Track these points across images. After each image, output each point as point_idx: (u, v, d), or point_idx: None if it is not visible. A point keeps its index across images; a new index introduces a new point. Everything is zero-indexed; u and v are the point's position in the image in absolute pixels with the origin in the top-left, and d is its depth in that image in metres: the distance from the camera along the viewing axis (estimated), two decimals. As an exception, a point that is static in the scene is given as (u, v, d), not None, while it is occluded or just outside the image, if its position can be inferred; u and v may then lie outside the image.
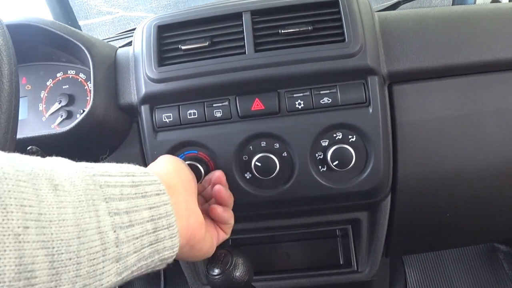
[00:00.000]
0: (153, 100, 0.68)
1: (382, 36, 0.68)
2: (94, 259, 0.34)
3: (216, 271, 0.59)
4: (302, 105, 0.66)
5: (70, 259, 0.32)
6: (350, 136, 0.66)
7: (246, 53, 0.65)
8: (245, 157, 0.67)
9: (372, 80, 0.65)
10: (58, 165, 0.37)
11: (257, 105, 0.66)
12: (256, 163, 0.66)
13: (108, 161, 0.74)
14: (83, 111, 0.72)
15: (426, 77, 0.70)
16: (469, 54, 0.69)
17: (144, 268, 0.42)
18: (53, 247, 0.31)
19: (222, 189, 0.59)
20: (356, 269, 0.76)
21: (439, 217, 0.78)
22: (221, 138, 0.67)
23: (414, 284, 1.23)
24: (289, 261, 0.82)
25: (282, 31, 0.65)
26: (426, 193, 0.74)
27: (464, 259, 1.26)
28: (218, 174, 0.62)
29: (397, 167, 0.70)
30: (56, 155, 0.73)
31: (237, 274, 0.59)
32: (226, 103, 0.67)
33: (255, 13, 0.66)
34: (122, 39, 1.03)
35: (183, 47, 0.67)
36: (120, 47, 0.80)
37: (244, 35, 0.66)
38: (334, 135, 0.66)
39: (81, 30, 1.39)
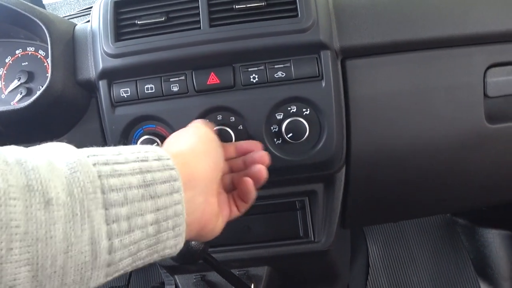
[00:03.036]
0: (111, 75, 0.69)
1: (335, 12, 0.70)
2: (82, 268, 0.34)
3: (173, 240, 0.61)
4: (256, 79, 0.67)
5: (55, 271, 0.32)
6: (304, 109, 0.68)
7: (201, 28, 0.66)
8: (202, 131, 0.69)
9: (325, 54, 0.67)
10: (60, 168, 0.35)
11: (213, 79, 0.67)
12: (213, 136, 0.67)
13: (68, 137, 0.75)
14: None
15: (379, 52, 0.72)
16: (420, 30, 0.71)
17: (140, 265, 0.41)
18: (37, 263, 0.31)
19: (263, 171, 0.56)
20: (313, 239, 0.78)
21: (394, 189, 0.81)
22: (178, 112, 0.68)
23: (376, 256, 1.28)
24: (251, 234, 0.84)
25: (237, 7, 0.66)
26: (380, 166, 0.76)
27: (424, 231, 1.31)
28: (262, 154, 0.59)
29: (350, 139, 0.73)
30: (17, 132, 0.74)
31: (193, 242, 0.61)
32: (183, 77, 0.68)
33: (210, -12, 0.67)
34: (84, 16, 1.03)
35: (139, 22, 0.67)
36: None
37: (199, 11, 0.67)
38: (289, 108, 0.68)
39: (45, 8, 1.37)
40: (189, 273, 0.83)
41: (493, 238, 1.27)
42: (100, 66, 0.68)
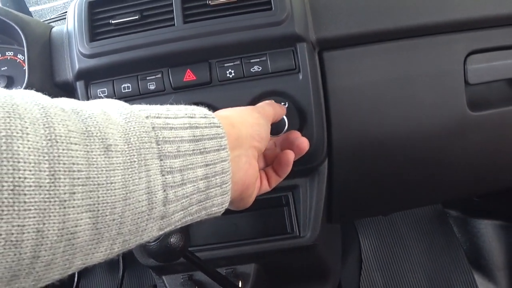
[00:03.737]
0: (87, 76, 0.69)
1: (310, 3, 0.70)
2: (138, 218, 0.34)
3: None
4: (233, 74, 0.67)
5: (113, 220, 0.32)
6: (282, 103, 0.68)
7: (175, 24, 0.66)
8: (181, 128, 0.68)
9: (301, 47, 0.67)
10: (115, 118, 0.35)
11: (189, 76, 0.67)
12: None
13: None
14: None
15: (356, 43, 0.71)
16: (397, 19, 0.71)
17: (188, 222, 0.41)
18: (98, 210, 0.31)
19: (307, 143, 0.58)
20: (298, 234, 0.78)
21: (379, 180, 0.81)
22: (156, 110, 0.68)
23: (368, 250, 1.27)
24: (238, 232, 0.83)
25: (210, 2, 0.66)
26: (363, 157, 0.76)
27: (416, 224, 1.30)
28: (304, 140, 0.59)
29: (331, 132, 0.72)
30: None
31: (172, 240, 0.60)
32: (159, 75, 0.68)
33: (183, -15, 0.67)
34: (64, 19, 1.03)
35: (113, 22, 0.67)
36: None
37: (173, 8, 0.66)
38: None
39: (31, 15, 1.37)
40: (176, 273, 0.82)
41: (486, 228, 1.26)
42: (76, 67, 0.68)
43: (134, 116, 0.36)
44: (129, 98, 0.68)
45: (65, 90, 0.72)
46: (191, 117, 0.41)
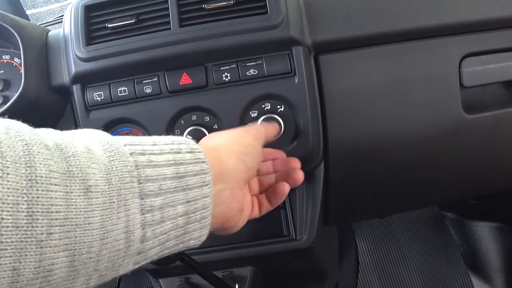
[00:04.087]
0: (84, 79, 0.69)
1: (305, 7, 0.70)
2: (115, 255, 0.34)
3: (148, 242, 0.61)
4: (229, 77, 0.67)
5: (90, 258, 0.32)
6: (278, 106, 0.68)
7: (172, 28, 0.66)
8: (177, 131, 0.69)
9: (297, 50, 0.67)
10: (99, 155, 0.35)
11: (185, 79, 0.67)
12: (188, 136, 0.67)
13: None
14: (17, 94, 0.72)
15: (352, 46, 0.72)
16: (392, 22, 0.71)
17: (165, 255, 0.42)
18: (75, 249, 0.31)
19: (302, 177, 0.60)
20: (294, 237, 0.78)
21: (375, 183, 0.81)
22: (152, 113, 0.68)
23: (365, 253, 1.27)
24: (234, 235, 0.83)
25: (206, 6, 0.66)
26: (359, 160, 0.76)
27: (413, 226, 1.31)
28: (297, 161, 0.63)
29: (327, 135, 0.73)
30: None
31: (168, 243, 0.60)
32: (155, 79, 0.68)
33: (179, -11, 0.67)
34: (60, 23, 1.03)
35: (109, 25, 0.67)
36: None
37: (169, 11, 0.67)
38: (263, 105, 0.68)
39: (28, 18, 1.37)
40: (173, 276, 0.82)
41: (482, 230, 1.27)
42: (73, 70, 0.68)
43: (118, 154, 0.36)
44: (125, 102, 0.68)
45: (62, 93, 0.73)
46: (177, 153, 0.42)
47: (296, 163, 0.63)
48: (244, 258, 0.79)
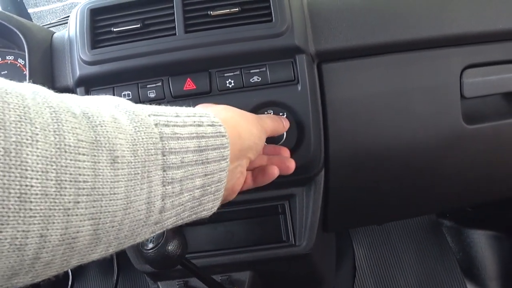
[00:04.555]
0: (88, 83, 0.69)
1: (310, 16, 0.71)
2: (135, 225, 0.35)
3: (150, 245, 0.61)
4: (232, 84, 0.68)
5: (113, 227, 0.33)
6: (281, 114, 0.68)
7: (177, 34, 0.66)
8: (180, 136, 0.69)
9: (300, 58, 0.68)
10: (125, 126, 0.35)
11: (189, 85, 0.68)
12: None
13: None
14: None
15: (354, 55, 0.72)
16: (395, 33, 0.72)
17: (178, 225, 0.42)
18: (100, 218, 0.31)
19: (293, 167, 0.60)
20: (294, 243, 0.78)
21: (374, 191, 0.82)
22: (155, 118, 0.69)
23: (362, 259, 1.28)
24: (234, 240, 0.84)
25: (212, 13, 0.67)
26: (359, 168, 0.77)
27: (410, 233, 1.31)
28: (293, 163, 0.62)
29: (328, 142, 0.73)
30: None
31: (170, 247, 0.61)
32: (160, 83, 0.68)
33: (185, -5, 0.68)
34: (64, 24, 1.03)
35: (115, 30, 0.68)
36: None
37: (174, 17, 0.67)
38: (266, 112, 0.68)
39: (30, 18, 1.37)
40: (172, 280, 0.83)
41: (479, 238, 1.28)
42: (77, 73, 0.69)
43: (143, 125, 0.36)
44: (129, 106, 0.69)
45: (65, 96, 0.73)
46: (199, 125, 0.42)
47: (286, 152, 0.64)
48: (243, 263, 0.80)
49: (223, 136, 0.44)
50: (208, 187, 0.42)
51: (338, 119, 0.73)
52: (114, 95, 0.69)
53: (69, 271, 1.26)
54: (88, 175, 0.30)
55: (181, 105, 0.67)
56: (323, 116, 0.72)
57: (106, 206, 0.32)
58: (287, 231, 0.80)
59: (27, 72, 0.70)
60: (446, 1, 0.73)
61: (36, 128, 0.28)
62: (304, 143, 0.69)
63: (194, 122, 0.42)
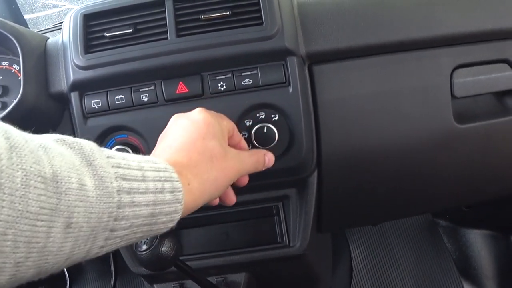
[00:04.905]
0: (82, 87, 0.70)
1: (300, 18, 0.71)
2: (74, 261, 0.40)
3: (144, 247, 0.62)
4: (224, 87, 0.68)
5: (53, 269, 0.38)
6: (273, 115, 0.69)
7: (169, 38, 0.67)
8: (173, 139, 0.70)
9: (291, 61, 0.68)
10: (89, 192, 0.38)
11: (182, 88, 0.68)
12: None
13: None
14: (16, 101, 0.73)
15: (345, 57, 0.73)
16: (385, 34, 0.72)
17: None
18: (44, 266, 0.36)
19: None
20: (288, 243, 0.79)
21: (367, 191, 0.82)
22: (149, 121, 0.69)
23: (359, 260, 1.28)
24: (229, 241, 0.84)
25: (203, 17, 0.68)
26: (352, 168, 0.77)
27: (406, 234, 1.32)
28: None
29: (321, 143, 0.74)
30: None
31: (163, 249, 0.61)
32: (152, 87, 0.69)
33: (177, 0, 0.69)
34: (59, 30, 1.04)
35: (108, 34, 0.68)
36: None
37: (166, 21, 0.68)
38: (258, 114, 0.69)
39: (26, 24, 1.38)
40: (167, 282, 0.83)
41: (475, 238, 1.28)
42: (71, 78, 0.69)
43: (106, 194, 0.39)
44: (122, 110, 0.69)
45: (60, 100, 0.74)
46: (160, 192, 0.44)
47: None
48: (238, 264, 0.80)
49: (179, 202, 0.46)
50: (152, 231, 0.46)
51: (330, 120, 0.73)
52: (107, 99, 0.69)
53: (67, 274, 1.26)
54: (41, 238, 0.34)
55: (174, 109, 0.69)
56: (314, 117, 0.73)
57: (51, 260, 0.36)
58: (282, 232, 0.81)
59: (21, 77, 0.70)
60: (435, 2, 0.74)
61: (4, 194, 0.31)
62: (296, 144, 0.70)
63: (157, 189, 0.44)
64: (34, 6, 1.45)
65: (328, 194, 0.79)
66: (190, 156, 0.50)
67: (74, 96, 0.71)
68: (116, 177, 0.40)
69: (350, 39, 0.72)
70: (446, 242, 1.32)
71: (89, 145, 0.42)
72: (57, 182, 0.35)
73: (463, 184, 0.86)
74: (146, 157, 0.47)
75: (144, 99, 0.69)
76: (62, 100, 0.73)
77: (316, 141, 0.74)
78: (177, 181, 0.46)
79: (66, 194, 0.35)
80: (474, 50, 0.76)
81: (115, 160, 0.42)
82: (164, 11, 0.68)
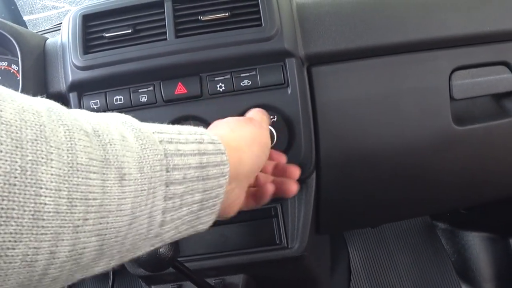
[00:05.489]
0: (80, 88, 0.70)
1: (299, 20, 0.72)
2: (137, 238, 0.36)
3: (141, 248, 0.61)
4: (223, 88, 0.68)
5: (117, 241, 0.34)
6: (271, 117, 0.69)
7: (168, 39, 0.67)
8: (172, 140, 0.70)
9: (290, 62, 0.69)
10: (132, 143, 0.36)
11: (180, 89, 0.68)
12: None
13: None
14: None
15: (344, 58, 0.73)
16: (383, 36, 0.73)
17: (176, 239, 0.43)
18: (105, 234, 0.33)
19: (294, 191, 0.60)
20: (286, 245, 0.79)
21: (366, 193, 0.82)
22: (147, 122, 0.69)
23: (357, 261, 1.28)
24: (227, 243, 0.84)
25: (202, 18, 0.68)
26: (350, 170, 0.77)
27: (404, 236, 1.32)
28: (296, 169, 0.63)
29: (319, 145, 0.74)
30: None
31: (161, 250, 0.61)
32: (151, 88, 0.69)
33: (176, 0, 0.69)
34: (58, 31, 1.04)
35: (107, 35, 0.69)
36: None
37: (165, 22, 0.68)
38: (255, 116, 0.69)
39: (26, 25, 1.38)
40: (166, 283, 0.83)
41: (473, 240, 1.28)
42: (70, 78, 0.69)
43: (149, 142, 0.37)
44: (121, 110, 0.69)
45: (58, 101, 0.72)
46: (200, 143, 0.43)
47: (295, 173, 0.63)
48: (237, 266, 0.80)
49: (222, 153, 0.45)
50: (206, 202, 0.43)
51: (329, 121, 0.73)
52: (106, 100, 0.69)
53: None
54: (97, 192, 0.31)
55: (172, 109, 0.69)
56: (313, 119, 0.73)
57: (112, 222, 0.33)
58: (280, 233, 0.81)
59: (20, 77, 0.70)
60: (434, 4, 0.74)
61: (51, 147, 0.29)
62: (294, 145, 0.70)
63: (196, 139, 0.43)
64: (33, 7, 1.45)
65: (327, 195, 0.79)
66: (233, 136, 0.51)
67: (72, 97, 0.71)
68: (153, 131, 0.39)
69: (348, 41, 0.72)
70: (444, 245, 1.32)
71: (120, 114, 0.41)
72: (99, 136, 0.34)
73: (462, 186, 0.86)
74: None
75: (142, 100, 0.69)
76: (61, 100, 0.73)
77: (314, 143, 0.73)
78: (213, 135, 0.46)
79: (111, 144, 0.34)
80: (473, 52, 0.76)
81: (147, 123, 0.41)
82: (163, 12, 0.68)
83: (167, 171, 0.38)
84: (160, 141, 0.38)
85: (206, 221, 0.45)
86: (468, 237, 1.29)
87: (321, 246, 1.04)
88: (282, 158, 0.65)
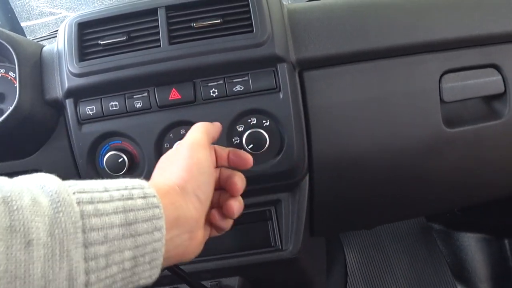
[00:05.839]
0: (76, 94, 0.71)
1: (290, 25, 0.73)
2: None
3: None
4: (216, 93, 0.70)
5: None
6: (264, 121, 0.70)
7: (161, 46, 0.69)
8: (167, 145, 0.71)
9: (282, 67, 0.70)
10: (45, 207, 0.36)
11: (174, 94, 0.70)
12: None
13: (38, 155, 0.77)
14: (12, 108, 0.74)
15: (335, 63, 0.74)
16: (373, 40, 0.74)
17: None
18: None
19: (236, 207, 0.58)
20: (280, 247, 0.80)
21: (359, 195, 0.83)
22: (142, 127, 0.71)
23: (353, 263, 1.29)
24: (222, 245, 0.85)
25: (195, 25, 0.69)
26: (343, 173, 0.79)
27: (400, 237, 1.33)
28: (241, 185, 0.60)
29: (311, 148, 0.75)
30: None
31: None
32: (146, 94, 0.70)
33: (169, 8, 0.70)
34: (54, 38, 1.05)
35: (102, 42, 0.70)
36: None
37: (159, 30, 0.69)
38: (249, 120, 0.71)
39: (23, 31, 1.39)
40: (161, 286, 0.84)
41: (469, 241, 1.29)
42: (66, 85, 0.71)
43: (64, 204, 0.37)
44: (116, 116, 0.71)
45: (55, 107, 0.75)
46: (128, 199, 0.42)
47: (246, 160, 0.61)
48: (232, 268, 0.81)
49: (156, 207, 0.44)
50: (141, 258, 0.42)
51: (321, 125, 0.75)
52: (102, 105, 0.71)
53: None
54: (2, 259, 0.32)
55: (167, 115, 0.70)
56: (305, 122, 0.74)
57: (21, 286, 0.33)
58: (274, 235, 0.82)
59: (17, 85, 0.72)
60: (422, 9, 0.76)
61: None
62: (287, 149, 0.71)
63: (123, 196, 0.42)
64: (31, 13, 1.47)
65: (320, 197, 0.80)
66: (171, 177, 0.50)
67: (69, 103, 0.72)
68: (74, 192, 0.39)
69: (339, 46, 0.73)
70: (440, 246, 1.33)
71: (44, 176, 0.40)
72: (8, 203, 0.34)
73: (454, 187, 0.87)
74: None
75: (137, 106, 0.70)
76: (57, 107, 0.75)
77: (307, 146, 0.75)
78: (148, 187, 0.45)
79: (18, 211, 0.34)
80: (462, 55, 0.78)
81: (72, 182, 0.41)
82: (157, 20, 0.70)
83: (84, 232, 0.37)
84: (78, 203, 0.38)
85: (148, 276, 0.44)
86: (464, 238, 1.30)
87: (317, 249, 1.05)
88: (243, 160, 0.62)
